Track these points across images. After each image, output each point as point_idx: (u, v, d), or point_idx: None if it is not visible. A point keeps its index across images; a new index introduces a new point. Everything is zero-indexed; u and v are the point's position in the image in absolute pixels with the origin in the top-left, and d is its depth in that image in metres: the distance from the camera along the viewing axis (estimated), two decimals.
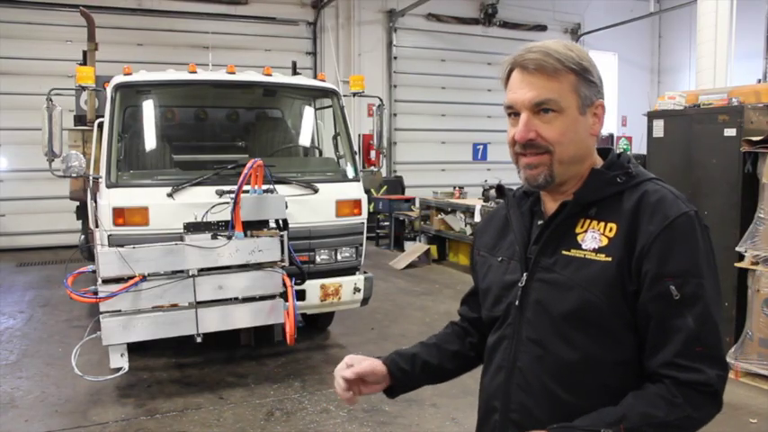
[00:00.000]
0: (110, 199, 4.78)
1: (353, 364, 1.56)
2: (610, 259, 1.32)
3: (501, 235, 1.56)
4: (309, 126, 6.53)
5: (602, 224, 1.36)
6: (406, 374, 1.63)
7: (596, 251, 1.34)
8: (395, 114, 14.11)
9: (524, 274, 1.43)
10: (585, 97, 1.37)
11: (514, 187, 1.60)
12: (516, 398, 1.42)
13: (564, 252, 1.38)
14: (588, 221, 1.38)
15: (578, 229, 1.39)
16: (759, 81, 10.71)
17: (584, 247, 1.36)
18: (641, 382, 1.33)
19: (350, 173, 5.74)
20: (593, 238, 1.36)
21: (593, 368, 1.34)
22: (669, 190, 1.37)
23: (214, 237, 4.61)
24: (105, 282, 4.29)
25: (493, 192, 9.28)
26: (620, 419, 1.25)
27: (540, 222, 1.47)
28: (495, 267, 1.54)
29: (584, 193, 1.38)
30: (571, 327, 1.35)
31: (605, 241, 1.34)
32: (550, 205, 1.46)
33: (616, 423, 1.25)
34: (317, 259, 5.34)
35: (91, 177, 5.02)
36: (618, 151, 1.47)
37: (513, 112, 1.40)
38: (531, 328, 1.41)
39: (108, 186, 4.85)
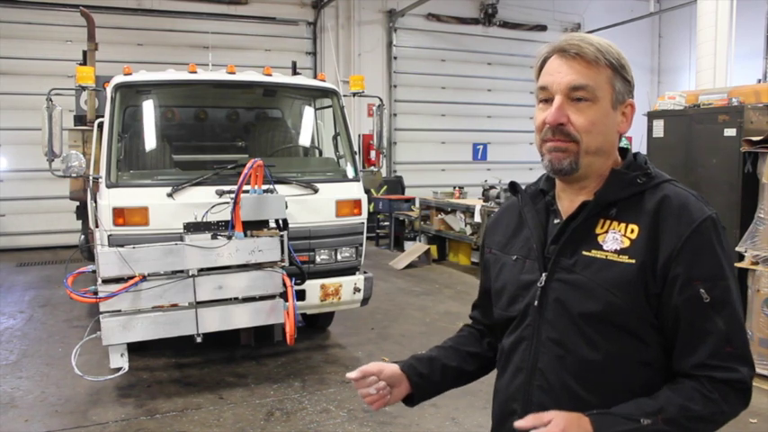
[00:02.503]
0: (110, 199, 4.78)
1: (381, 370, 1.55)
2: (633, 261, 1.31)
3: (514, 233, 1.54)
4: (309, 126, 6.53)
5: (623, 225, 1.35)
6: (425, 379, 1.61)
7: (618, 252, 1.33)
8: (395, 114, 14.10)
9: (543, 275, 1.41)
10: (619, 92, 1.37)
11: (523, 186, 1.59)
12: (538, 399, 1.40)
13: (584, 253, 1.37)
14: (608, 222, 1.37)
15: (599, 230, 1.37)
16: (759, 81, 10.72)
17: (605, 248, 1.35)
18: (663, 381, 1.34)
19: (350, 173, 5.73)
20: (614, 239, 1.35)
21: (617, 368, 1.34)
22: (689, 192, 1.38)
23: (214, 237, 4.60)
24: (105, 282, 4.28)
25: (493, 191, 9.30)
26: (659, 410, 1.26)
27: (556, 221, 1.45)
28: (509, 266, 1.51)
29: (605, 193, 1.37)
30: (593, 327, 1.34)
31: (627, 243, 1.33)
32: (568, 204, 1.44)
33: (654, 413, 1.25)
34: (317, 259, 5.33)
35: (91, 177, 5.02)
36: (634, 151, 1.47)
37: (544, 99, 1.38)
38: (551, 328, 1.39)
39: (108, 186, 4.85)
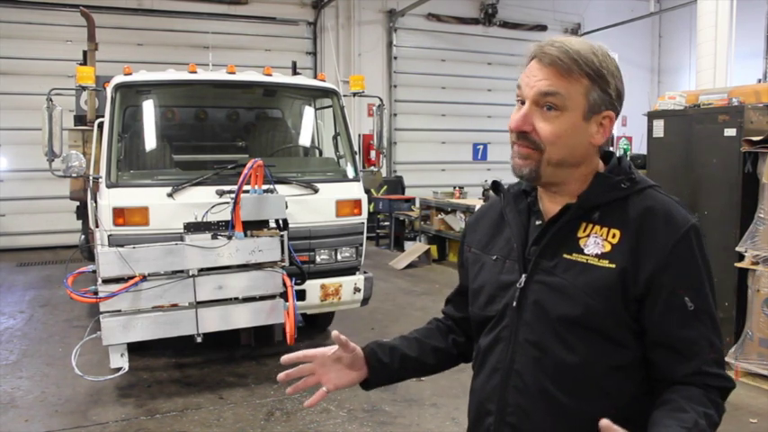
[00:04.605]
0: (110, 199, 4.78)
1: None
2: (613, 266, 1.31)
3: (495, 232, 1.53)
4: (309, 126, 6.53)
5: (605, 230, 1.34)
6: (384, 366, 1.62)
7: (599, 257, 1.33)
8: (395, 114, 14.10)
9: (523, 276, 1.40)
10: (594, 104, 1.33)
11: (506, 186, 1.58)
12: (513, 400, 1.39)
13: (565, 255, 1.36)
14: (591, 226, 1.36)
15: (580, 233, 1.37)
16: (759, 81, 10.72)
17: (586, 251, 1.34)
18: (640, 386, 1.34)
19: (350, 173, 5.74)
20: (595, 243, 1.34)
21: (593, 371, 1.33)
22: (672, 199, 1.38)
23: (214, 237, 4.61)
24: (105, 282, 4.29)
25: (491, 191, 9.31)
26: (695, 423, 1.22)
27: (538, 222, 1.44)
28: (489, 266, 1.50)
29: (589, 197, 1.36)
30: (571, 330, 1.33)
31: (608, 247, 1.33)
32: (550, 206, 1.43)
33: (694, 427, 1.22)
34: (317, 259, 5.33)
35: (91, 177, 5.02)
36: (618, 155, 1.46)
37: (520, 100, 1.38)
38: (528, 329, 1.38)
39: (108, 186, 4.85)
